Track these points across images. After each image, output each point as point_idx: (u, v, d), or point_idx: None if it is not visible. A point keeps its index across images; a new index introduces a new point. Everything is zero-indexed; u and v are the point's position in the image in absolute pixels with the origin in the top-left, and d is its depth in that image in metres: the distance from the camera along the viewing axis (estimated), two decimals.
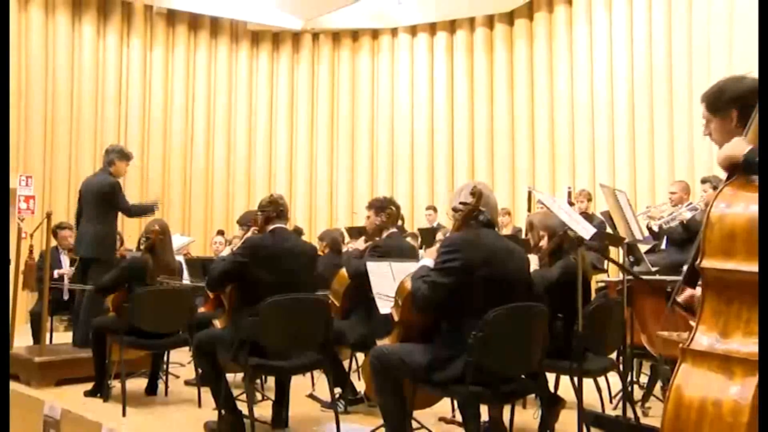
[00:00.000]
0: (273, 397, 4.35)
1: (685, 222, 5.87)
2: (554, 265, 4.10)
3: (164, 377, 5.34)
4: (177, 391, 5.35)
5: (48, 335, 6.53)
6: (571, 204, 6.74)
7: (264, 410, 4.38)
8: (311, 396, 5.05)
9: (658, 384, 4.73)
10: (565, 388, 4.07)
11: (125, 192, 6.48)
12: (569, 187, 7.56)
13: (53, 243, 7.18)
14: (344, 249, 6.62)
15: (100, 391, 5.01)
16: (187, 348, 5.20)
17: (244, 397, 4.14)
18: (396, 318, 3.43)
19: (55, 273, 6.97)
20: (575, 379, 3.60)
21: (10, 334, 5.96)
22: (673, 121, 8.87)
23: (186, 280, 6.13)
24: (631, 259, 5.67)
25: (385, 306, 3.85)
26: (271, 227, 4.23)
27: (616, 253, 7.08)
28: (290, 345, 3.91)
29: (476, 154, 11.53)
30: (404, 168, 12.04)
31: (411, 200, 11.69)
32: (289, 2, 11.65)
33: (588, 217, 6.78)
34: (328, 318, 4.11)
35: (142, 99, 11.63)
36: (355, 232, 7.23)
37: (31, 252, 7.04)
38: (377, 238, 4.95)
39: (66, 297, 6.92)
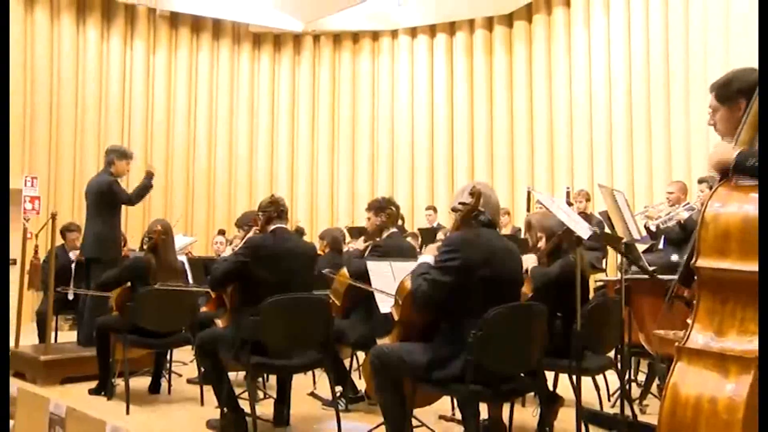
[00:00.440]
0: (275, 396, 4.35)
1: (682, 222, 5.86)
2: (553, 264, 4.10)
3: (167, 376, 5.35)
4: (180, 389, 5.36)
5: (53, 334, 6.53)
6: (569, 204, 6.74)
7: (266, 408, 4.38)
8: (312, 394, 5.05)
9: (656, 382, 4.74)
10: (563, 386, 4.08)
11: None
12: (568, 188, 7.57)
13: (61, 243, 7.20)
14: (345, 249, 6.62)
15: (105, 389, 5.02)
16: (190, 347, 5.20)
17: (246, 395, 4.15)
18: (396, 317, 3.43)
19: (69, 295, 6.91)
20: (574, 377, 3.60)
21: (17, 333, 5.97)
22: (670, 121, 8.87)
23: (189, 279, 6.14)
24: (629, 259, 5.66)
25: (385, 305, 3.86)
26: (271, 227, 4.23)
27: (614, 252, 7.10)
28: (291, 344, 3.91)
29: (476, 154, 11.53)
30: (404, 168, 12.04)
31: (411, 200, 11.69)
32: (290, 4, 11.65)
33: (587, 217, 6.77)
34: (328, 317, 4.11)
35: (145, 100, 11.65)
36: (356, 232, 7.23)
37: (36, 252, 7.05)
38: (377, 239, 4.95)
39: (71, 297, 6.92)
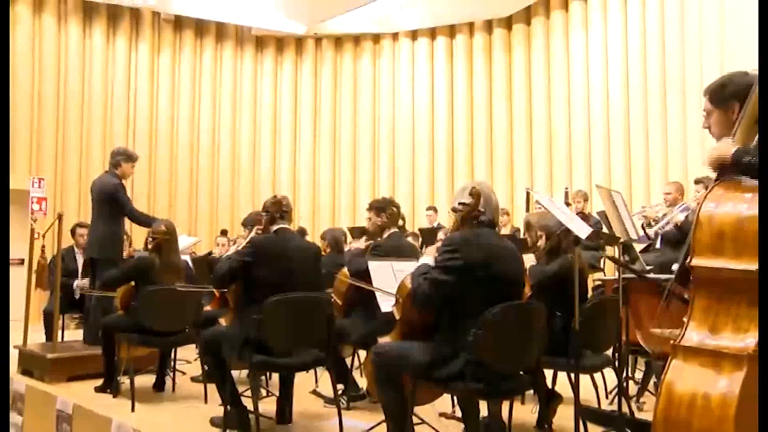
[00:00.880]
0: (277, 393, 4.35)
1: (679, 224, 5.86)
2: (551, 263, 4.10)
3: (171, 374, 5.35)
4: (184, 387, 5.36)
5: (60, 333, 6.54)
6: (568, 204, 6.72)
7: (269, 406, 4.38)
8: (314, 392, 5.05)
9: (653, 379, 4.74)
10: (562, 384, 4.08)
11: (133, 192, 6.48)
12: (566, 188, 7.55)
13: (68, 242, 7.22)
14: (346, 248, 6.62)
15: (110, 386, 5.03)
16: (194, 345, 5.22)
17: (249, 393, 4.14)
18: (397, 316, 3.43)
19: (75, 285, 6.95)
20: (572, 375, 3.60)
21: (25, 331, 5.98)
22: (666, 123, 8.88)
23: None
24: (627, 258, 5.66)
25: (386, 304, 3.85)
26: (275, 227, 4.23)
27: (611, 252, 7.10)
28: (294, 342, 3.91)
29: (475, 155, 11.53)
30: (405, 169, 12.04)
31: (412, 201, 11.70)
32: (292, 8, 11.66)
33: (585, 217, 6.77)
34: (330, 316, 4.11)
35: (150, 103, 11.67)
36: (357, 232, 7.22)
37: (43, 252, 7.06)
38: (378, 239, 4.94)
39: (77, 296, 6.93)
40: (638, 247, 5.81)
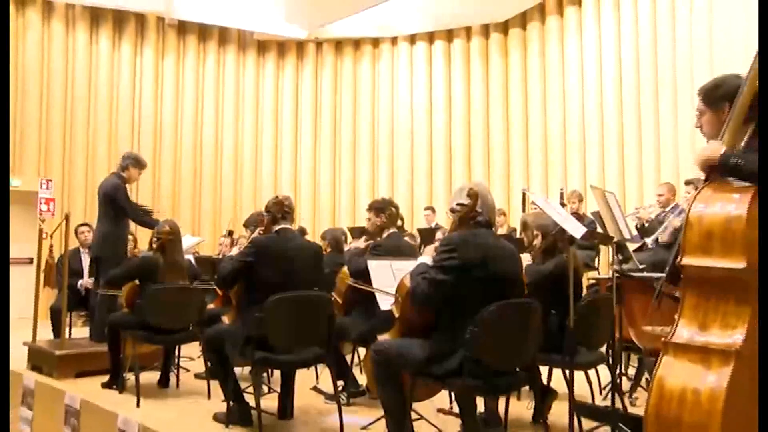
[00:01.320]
0: (279, 390, 4.35)
1: (677, 228, 5.85)
2: (547, 262, 4.11)
3: (176, 370, 5.36)
4: (188, 383, 5.36)
5: (67, 330, 6.55)
6: (563, 205, 6.73)
7: (270, 402, 4.39)
8: (315, 389, 5.06)
9: (645, 375, 4.74)
10: (557, 380, 4.08)
11: (138, 193, 6.48)
12: (561, 189, 7.56)
13: (76, 242, 7.23)
14: (346, 248, 6.62)
15: (116, 383, 5.03)
16: (197, 343, 5.21)
17: (251, 389, 4.15)
18: (396, 314, 3.44)
19: (79, 284, 6.96)
20: (567, 371, 3.60)
21: (34, 328, 5.98)
22: (659, 125, 8.89)
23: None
24: (620, 257, 5.67)
25: (385, 303, 3.86)
26: (276, 228, 4.23)
27: (605, 251, 7.11)
28: (295, 340, 3.91)
29: (473, 156, 11.54)
30: (404, 170, 12.04)
31: (410, 201, 11.70)
32: (293, 12, 11.65)
33: (579, 217, 6.78)
34: (331, 314, 4.11)
35: (154, 106, 11.68)
36: (357, 232, 7.22)
37: (51, 251, 7.07)
38: (378, 238, 4.95)
39: (83, 294, 6.94)
40: (631, 246, 5.83)
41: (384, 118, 12.37)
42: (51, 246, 6.87)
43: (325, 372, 5.16)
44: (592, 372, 4.19)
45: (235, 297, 4.49)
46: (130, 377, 4.97)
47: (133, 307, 5.02)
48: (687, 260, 2.10)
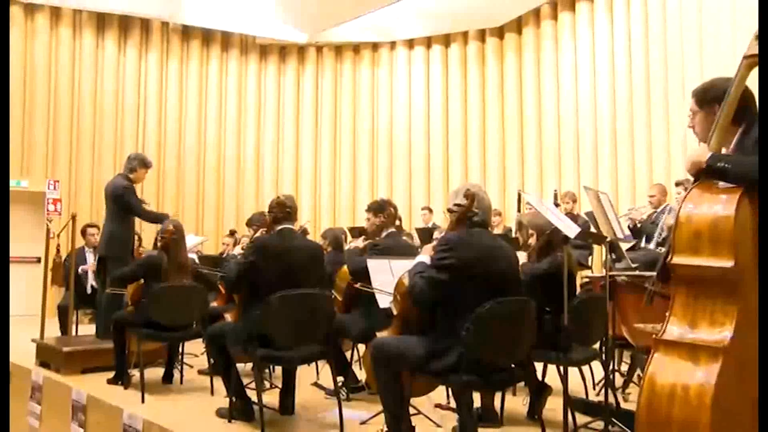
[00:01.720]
0: (280, 386, 4.35)
1: (670, 227, 5.86)
2: (542, 261, 4.10)
3: (179, 367, 5.36)
4: (191, 379, 5.37)
5: (74, 327, 6.55)
6: (557, 205, 6.73)
7: (272, 397, 4.39)
8: (316, 384, 5.05)
9: (637, 372, 4.74)
10: (552, 376, 4.09)
11: (143, 193, 6.48)
12: (555, 190, 7.56)
13: (82, 242, 7.23)
14: (346, 247, 6.61)
15: (121, 379, 5.03)
16: (201, 340, 5.21)
17: (253, 385, 4.15)
18: (395, 312, 3.44)
19: (80, 269, 6.98)
20: (561, 368, 3.60)
21: (42, 326, 5.98)
22: (651, 128, 8.89)
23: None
24: (613, 257, 5.67)
25: (384, 300, 3.86)
26: (278, 227, 4.22)
27: (599, 250, 7.11)
28: (296, 337, 3.91)
29: (469, 158, 11.54)
30: (402, 172, 12.05)
31: (409, 201, 11.70)
32: (294, 17, 11.65)
33: (573, 217, 6.77)
34: (331, 312, 4.11)
35: (159, 108, 11.68)
36: (357, 232, 7.21)
37: (58, 251, 7.07)
38: (377, 238, 4.94)
39: (89, 291, 6.93)
40: (624, 246, 5.82)
41: (383, 120, 12.37)
42: (58, 245, 6.88)
43: (325, 368, 5.16)
44: (585, 368, 4.20)
45: (238, 295, 4.49)
46: (134, 373, 4.97)
47: (138, 305, 5.02)
48: (677, 259, 2.11)
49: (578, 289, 5.06)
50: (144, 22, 11.61)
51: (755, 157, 2.07)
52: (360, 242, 5.72)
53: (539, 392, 3.89)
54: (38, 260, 9.17)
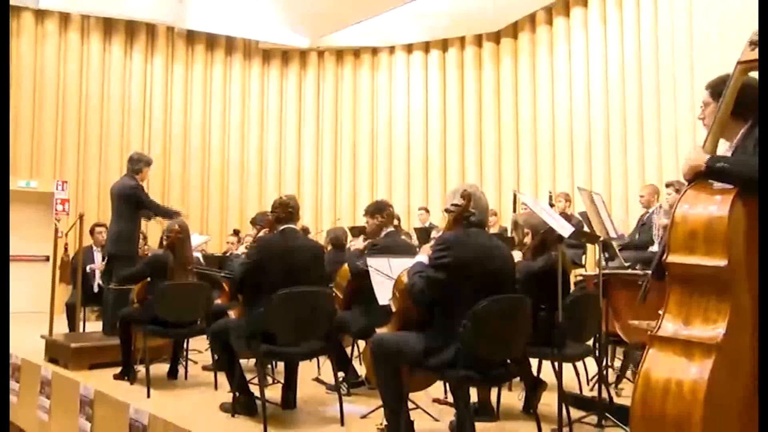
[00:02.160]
0: (282, 381, 4.34)
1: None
2: (537, 260, 4.09)
3: (184, 363, 5.35)
4: (195, 375, 5.35)
5: (81, 324, 6.54)
6: (551, 205, 6.73)
7: (274, 392, 4.38)
8: (317, 379, 5.05)
9: (630, 367, 4.73)
10: (546, 372, 4.07)
11: (149, 193, 6.47)
12: (550, 191, 7.56)
13: (89, 241, 7.22)
14: (347, 246, 6.61)
15: (127, 374, 5.02)
16: (205, 336, 5.20)
17: (256, 380, 4.14)
18: (394, 309, 3.43)
19: (88, 268, 6.97)
20: (556, 363, 3.59)
21: (50, 323, 5.98)
22: (643, 130, 8.89)
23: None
24: (606, 255, 5.66)
25: (383, 298, 3.85)
26: (281, 227, 4.21)
27: (592, 249, 7.10)
28: (298, 333, 3.90)
29: (466, 159, 11.54)
30: (401, 172, 12.05)
31: (407, 202, 11.70)
32: (296, 23, 11.65)
33: (567, 217, 6.75)
34: (331, 309, 4.10)
35: (164, 111, 11.68)
36: (357, 231, 7.21)
37: (66, 249, 7.06)
38: (377, 237, 4.94)
39: (96, 290, 6.92)
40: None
41: (382, 122, 12.37)
42: (66, 244, 6.86)
43: (326, 364, 5.15)
44: (579, 364, 4.19)
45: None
46: (140, 369, 4.96)
47: (144, 302, 5.01)
48: (672, 258, 2.10)
49: (572, 287, 5.06)
50: (150, 27, 11.61)
51: (755, 158, 2.06)
52: (360, 242, 5.71)
53: (534, 387, 3.88)
54: (47, 259, 9.16)
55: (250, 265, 4.04)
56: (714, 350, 1.94)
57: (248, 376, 4.23)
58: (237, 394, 4.03)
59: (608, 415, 3.69)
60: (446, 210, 3.34)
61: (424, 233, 7.86)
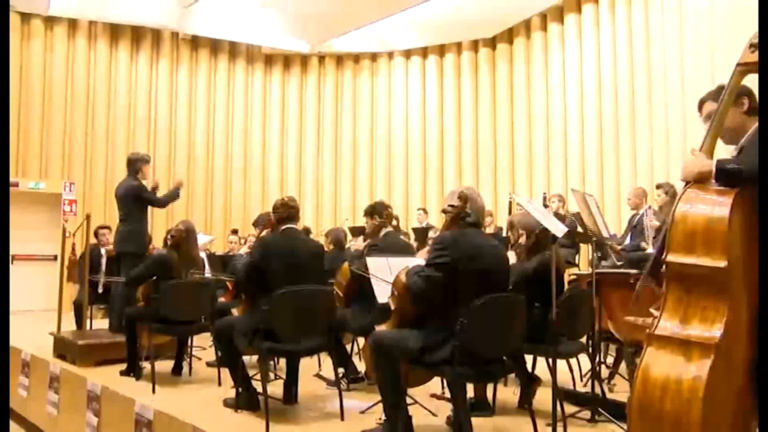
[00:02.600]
0: (284, 377, 4.33)
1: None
2: (531, 259, 4.09)
3: (188, 359, 5.32)
4: (199, 371, 5.34)
5: (88, 322, 6.52)
6: (546, 206, 6.72)
7: (276, 388, 4.36)
8: (318, 375, 5.03)
9: (623, 364, 4.73)
10: (541, 368, 4.07)
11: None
12: (544, 193, 7.55)
13: (94, 241, 7.20)
14: (347, 246, 6.61)
15: (133, 371, 5.00)
16: (209, 333, 5.19)
17: (258, 376, 4.13)
18: (393, 307, 3.42)
19: (99, 286, 6.90)
20: (550, 360, 3.59)
21: (58, 320, 5.97)
22: (635, 133, 8.90)
23: (207, 272, 6.12)
24: (599, 255, 5.66)
25: (383, 296, 3.84)
26: (282, 227, 4.21)
27: (586, 249, 7.10)
28: (299, 331, 3.88)
29: (463, 161, 11.54)
30: (400, 174, 12.04)
31: (406, 202, 11.70)
32: (298, 29, 11.65)
33: (561, 217, 6.75)
34: (332, 307, 4.09)
35: (169, 115, 11.66)
36: (357, 231, 7.21)
37: (73, 249, 7.04)
38: (376, 237, 4.93)
39: (101, 290, 6.90)
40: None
41: (381, 125, 12.37)
42: (73, 244, 6.84)
43: (327, 360, 5.14)
44: (573, 361, 4.18)
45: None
46: (146, 366, 4.94)
47: (149, 300, 4.99)
48: (671, 257, 2.07)
49: (566, 286, 5.05)
50: (155, 32, 11.60)
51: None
52: (360, 242, 5.71)
53: (529, 383, 3.87)
54: (55, 258, 9.15)
55: (253, 264, 4.03)
56: (712, 350, 1.91)
57: (251, 372, 4.21)
58: (240, 389, 4.01)
59: (601, 410, 3.68)
60: (444, 211, 3.32)
61: (421, 233, 7.85)
